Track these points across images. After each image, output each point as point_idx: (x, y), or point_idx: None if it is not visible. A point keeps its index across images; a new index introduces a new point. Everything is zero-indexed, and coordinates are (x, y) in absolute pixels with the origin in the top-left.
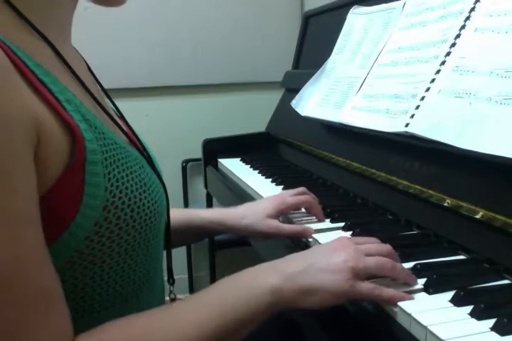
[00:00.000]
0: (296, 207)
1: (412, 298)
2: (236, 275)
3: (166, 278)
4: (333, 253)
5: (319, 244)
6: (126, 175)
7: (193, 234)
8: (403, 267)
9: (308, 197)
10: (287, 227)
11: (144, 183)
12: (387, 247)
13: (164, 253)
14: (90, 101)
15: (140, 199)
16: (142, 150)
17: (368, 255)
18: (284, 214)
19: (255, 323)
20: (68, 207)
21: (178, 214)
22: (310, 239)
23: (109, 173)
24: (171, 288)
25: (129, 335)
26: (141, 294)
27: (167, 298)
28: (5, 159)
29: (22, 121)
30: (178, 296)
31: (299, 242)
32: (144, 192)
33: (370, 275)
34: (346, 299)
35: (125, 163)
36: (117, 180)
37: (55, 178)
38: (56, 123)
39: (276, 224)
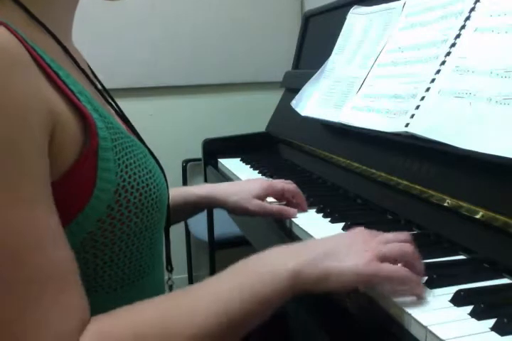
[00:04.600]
0: (281, 193)
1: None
2: (258, 256)
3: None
4: (354, 238)
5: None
6: (134, 162)
7: (187, 210)
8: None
9: (294, 187)
10: (270, 207)
11: (150, 170)
12: (405, 234)
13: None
14: (96, 94)
15: (147, 185)
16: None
17: (389, 243)
18: (270, 196)
19: (276, 305)
20: (83, 191)
21: (173, 192)
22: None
23: (118, 159)
24: (170, 275)
25: (145, 318)
26: (146, 276)
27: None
28: (20, 144)
29: (39, 110)
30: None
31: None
32: (150, 178)
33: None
34: (370, 281)
35: (132, 151)
36: (126, 166)
37: (71, 163)
38: (71, 112)
39: (261, 203)
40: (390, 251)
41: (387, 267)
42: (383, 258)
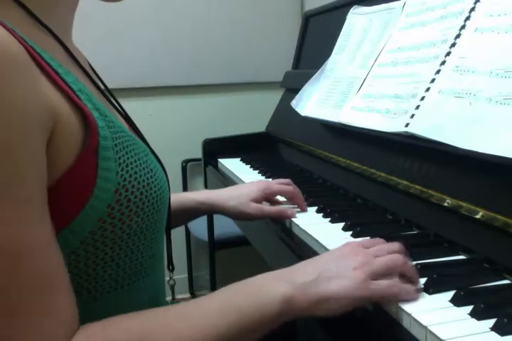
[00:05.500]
0: (280, 195)
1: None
2: (246, 281)
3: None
4: (343, 259)
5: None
6: (135, 161)
7: (185, 216)
8: (412, 263)
9: (293, 188)
10: (268, 209)
11: (151, 169)
12: (397, 245)
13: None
14: (97, 93)
15: (148, 184)
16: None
17: (378, 257)
18: (268, 199)
19: (264, 331)
20: (83, 190)
21: (172, 197)
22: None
23: (119, 158)
24: (171, 275)
25: (132, 332)
26: (147, 276)
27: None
28: (16, 147)
29: (37, 110)
30: (178, 296)
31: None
32: (151, 177)
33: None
34: (364, 302)
35: (133, 150)
36: (127, 165)
37: (71, 162)
38: (71, 111)
39: (259, 206)
40: (380, 267)
41: (378, 288)
42: (373, 275)
